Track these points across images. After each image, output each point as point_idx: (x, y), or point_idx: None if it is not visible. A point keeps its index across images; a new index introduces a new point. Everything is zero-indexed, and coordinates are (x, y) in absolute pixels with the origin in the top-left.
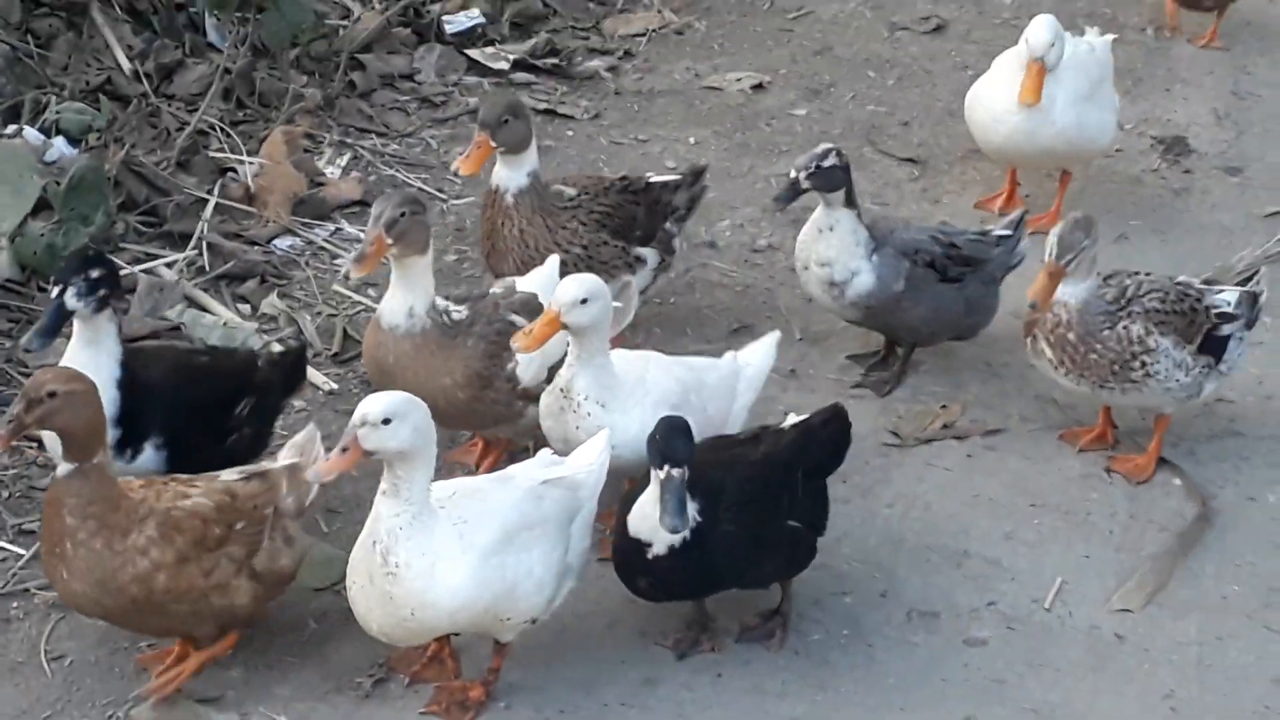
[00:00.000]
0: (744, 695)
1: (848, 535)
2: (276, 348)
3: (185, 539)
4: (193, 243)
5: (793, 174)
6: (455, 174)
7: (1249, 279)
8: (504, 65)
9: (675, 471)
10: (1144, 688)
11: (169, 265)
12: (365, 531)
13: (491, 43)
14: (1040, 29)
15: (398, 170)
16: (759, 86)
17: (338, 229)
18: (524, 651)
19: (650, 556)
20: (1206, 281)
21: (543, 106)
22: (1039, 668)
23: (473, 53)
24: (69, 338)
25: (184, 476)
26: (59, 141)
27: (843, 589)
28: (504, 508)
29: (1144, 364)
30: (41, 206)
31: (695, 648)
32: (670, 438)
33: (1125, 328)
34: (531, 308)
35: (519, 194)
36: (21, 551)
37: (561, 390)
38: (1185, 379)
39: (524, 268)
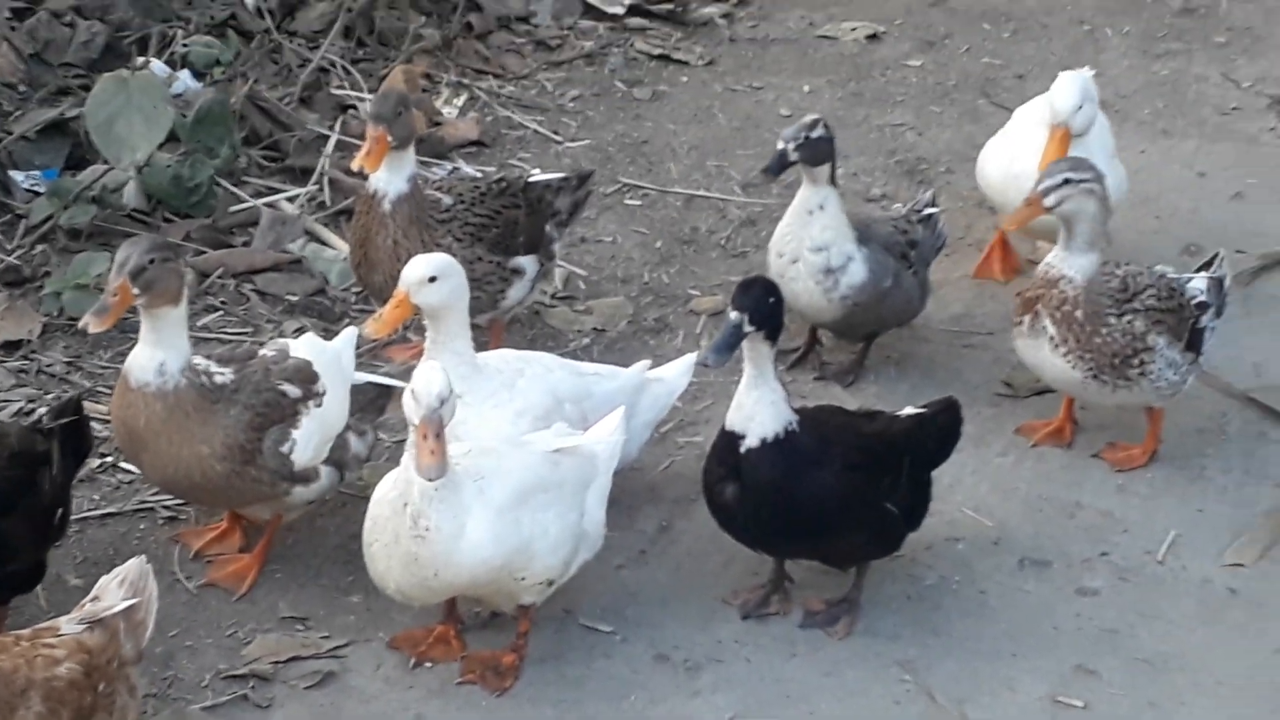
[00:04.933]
0: (857, 637)
1: (960, 483)
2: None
3: (68, 713)
4: (314, 178)
5: (780, 145)
6: (360, 173)
7: (1210, 264)
8: (619, 10)
9: (734, 314)
10: (1256, 641)
11: (290, 200)
12: (392, 491)
13: None
14: (1066, 91)
15: (514, 112)
16: (874, 37)
17: (455, 168)
18: (639, 588)
19: (743, 450)
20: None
21: (657, 52)
22: (1151, 619)
23: None
24: None
25: (26, 633)
26: (184, 75)
27: (955, 535)
28: (519, 467)
29: (1141, 362)
30: (168, 139)
31: (762, 608)
32: (749, 287)
33: (1130, 322)
34: (306, 375)
35: (397, 201)
36: None
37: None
38: (1174, 378)
39: (394, 283)
